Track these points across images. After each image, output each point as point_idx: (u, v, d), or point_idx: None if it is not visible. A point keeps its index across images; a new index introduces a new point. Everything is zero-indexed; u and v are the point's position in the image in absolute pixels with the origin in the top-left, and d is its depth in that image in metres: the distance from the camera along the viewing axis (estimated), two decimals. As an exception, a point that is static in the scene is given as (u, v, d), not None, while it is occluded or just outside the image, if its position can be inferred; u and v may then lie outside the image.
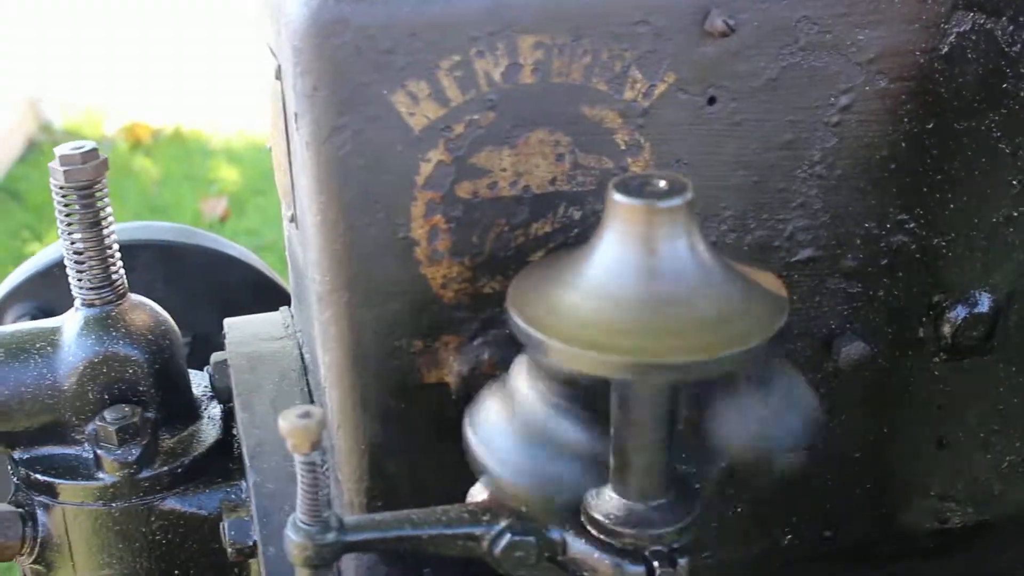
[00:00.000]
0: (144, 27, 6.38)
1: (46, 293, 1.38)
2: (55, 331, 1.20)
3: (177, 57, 6.18)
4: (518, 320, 0.91)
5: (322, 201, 1.01)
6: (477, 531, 0.99)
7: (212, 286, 1.53)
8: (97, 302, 1.19)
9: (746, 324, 0.89)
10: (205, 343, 1.37)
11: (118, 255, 1.20)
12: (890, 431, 1.22)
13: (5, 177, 5.51)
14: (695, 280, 0.89)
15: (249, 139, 5.59)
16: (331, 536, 0.97)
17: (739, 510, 1.21)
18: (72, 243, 1.18)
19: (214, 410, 1.26)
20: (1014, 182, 1.13)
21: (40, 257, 1.54)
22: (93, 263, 1.18)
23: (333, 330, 1.05)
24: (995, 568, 1.38)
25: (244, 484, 1.20)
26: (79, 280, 1.19)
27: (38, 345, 1.19)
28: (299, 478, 0.95)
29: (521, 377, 0.97)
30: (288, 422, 0.91)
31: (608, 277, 0.90)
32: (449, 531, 0.99)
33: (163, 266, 1.51)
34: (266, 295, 1.40)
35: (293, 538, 0.97)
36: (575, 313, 0.90)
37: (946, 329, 1.18)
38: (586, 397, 0.95)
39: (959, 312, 1.18)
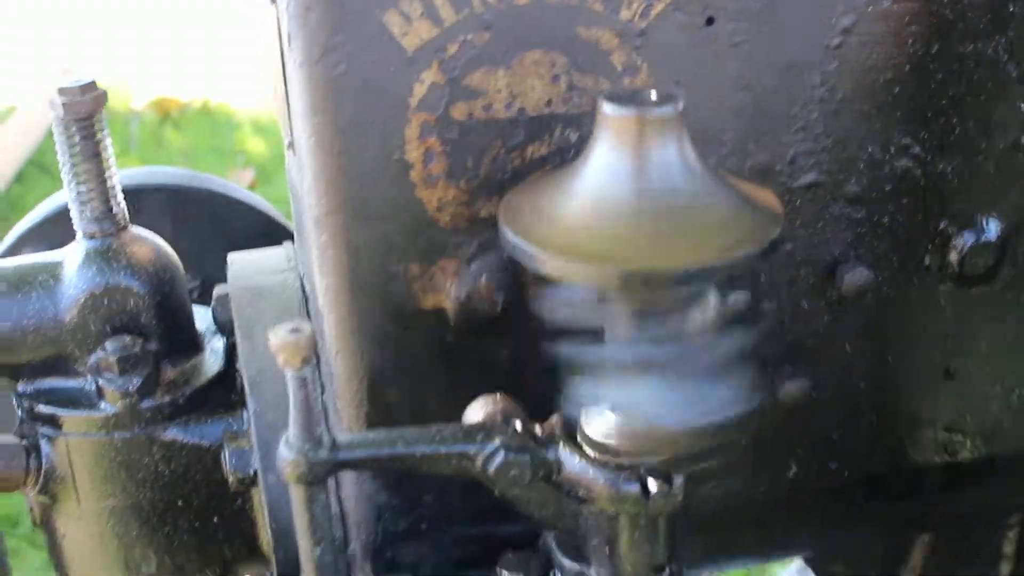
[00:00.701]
0: (173, 1, 6.40)
1: (59, 237, 1.38)
2: (57, 264, 1.20)
3: (205, 31, 6.20)
4: (510, 233, 0.91)
5: (316, 123, 1.00)
6: (471, 450, 0.99)
7: (221, 229, 1.53)
8: (98, 234, 1.19)
9: (738, 234, 0.89)
10: (214, 286, 1.37)
11: (119, 187, 1.20)
12: (896, 361, 1.21)
13: (36, 151, 5.54)
14: (687, 190, 0.88)
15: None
16: (324, 453, 0.97)
17: (744, 441, 1.20)
18: (73, 176, 1.18)
19: (217, 343, 1.26)
20: (1022, 107, 1.12)
21: (52, 201, 1.54)
22: (94, 195, 1.18)
23: (330, 254, 1.05)
24: (1005, 504, 1.36)
25: (245, 415, 1.20)
26: (81, 212, 1.19)
27: (40, 278, 1.19)
28: (291, 394, 0.94)
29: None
30: (278, 337, 0.91)
31: (599, 188, 0.89)
32: (443, 450, 0.99)
33: (171, 210, 1.51)
34: (275, 238, 1.40)
35: (286, 455, 0.96)
36: (566, 224, 0.90)
37: (953, 257, 1.17)
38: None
39: (966, 239, 1.16)
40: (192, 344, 1.24)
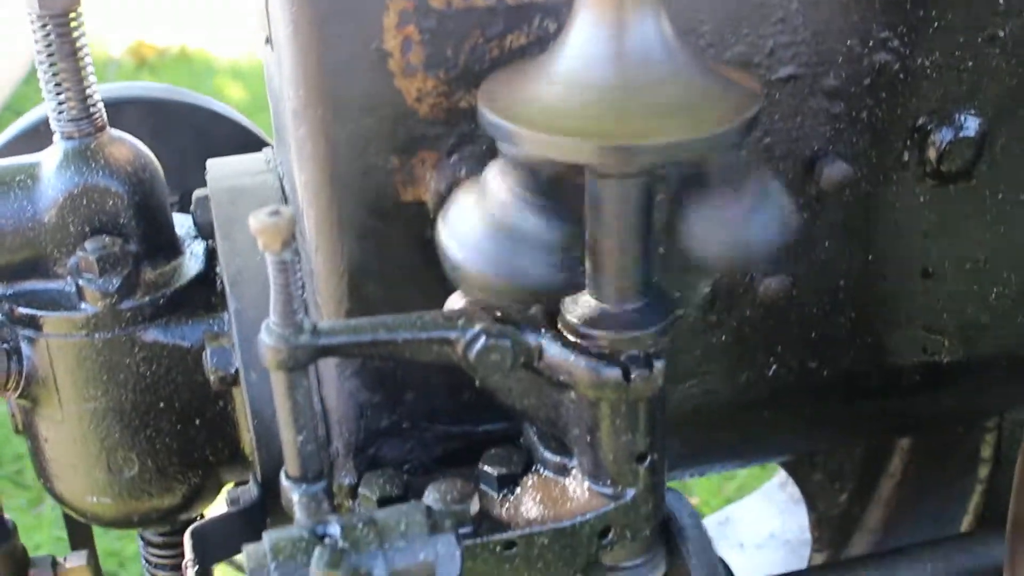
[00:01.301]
0: (149, -55, 6.34)
1: (37, 150, 1.37)
2: (35, 165, 1.20)
3: (182, -25, 6.16)
4: (487, 112, 0.90)
5: (293, 12, 1.00)
6: (452, 335, 0.99)
7: (200, 142, 1.52)
8: (76, 134, 1.18)
9: (717, 111, 0.88)
10: (194, 199, 1.36)
11: (96, 87, 1.19)
12: (875, 258, 1.21)
13: (11, 97, 5.50)
14: (665, 66, 0.88)
15: (256, 60, 5.57)
16: (305, 338, 0.97)
17: (723, 338, 1.21)
18: (50, 74, 1.17)
19: (196, 247, 1.26)
20: (1000, 0, 1.12)
21: (31, 115, 1.53)
22: (71, 94, 1.17)
23: (308, 147, 1.05)
24: (983, 406, 1.37)
25: (226, 316, 1.20)
26: (58, 113, 1.18)
27: (18, 179, 1.19)
28: (271, 278, 0.94)
29: (492, 174, 0.96)
30: (258, 220, 0.90)
31: (577, 64, 0.89)
32: (424, 335, 0.99)
33: (151, 123, 1.50)
34: (255, 151, 1.39)
35: (267, 341, 0.96)
36: (544, 101, 0.89)
37: (931, 153, 1.17)
38: (554, 191, 0.94)
39: (944, 135, 1.16)
40: (171, 247, 1.24)
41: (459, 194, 0.99)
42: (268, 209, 0.91)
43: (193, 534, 1.13)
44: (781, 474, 1.85)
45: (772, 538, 1.97)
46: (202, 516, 1.37)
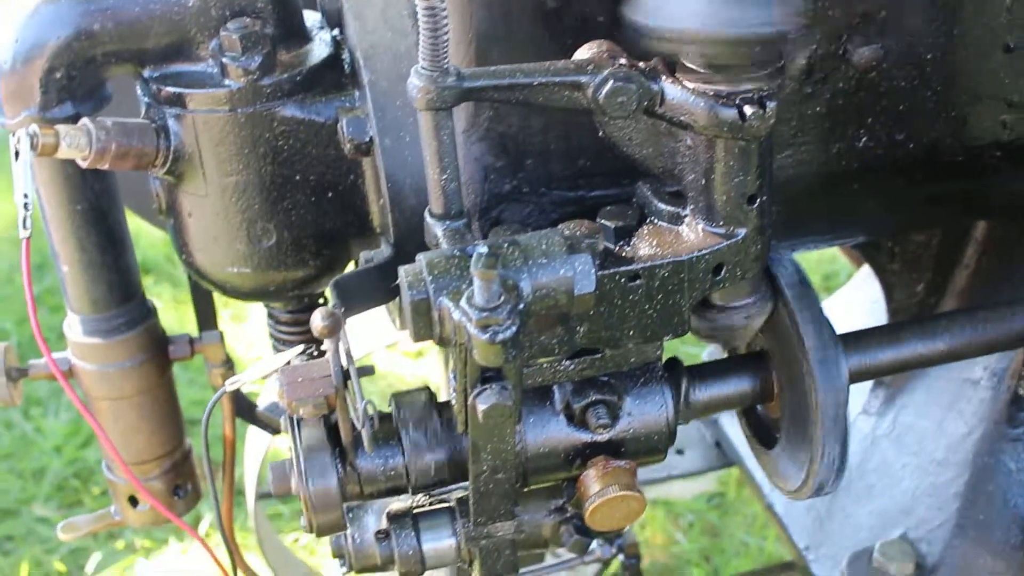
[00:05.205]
0: None
1: None
2: (180, -48, 1.29)
3: None
4: None
5: None
6: (583, 79, 1.08)
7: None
8: (216, -77, 1.27)
9: None
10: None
11: None
12: (959, 33, 1.28)
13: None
14: None
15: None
16: (451, 80, 1.06)
17: (817, 109, 1.29)
18: None
19: (324, 35, 1.34)
20: None
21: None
22: None
23: None
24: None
25: (356, 94, 1.29)
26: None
27: (162, -33, 1.28)
28: (421, 26, 1.03)
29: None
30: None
31: None
32: (557, 79, 1.08)
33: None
34: None
35: (417, 83, 1.06)
36: None
37: (1016, -75, 1.24)
38: None
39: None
40: (302, 33, 1.33)
41: None
42: (419, -42, 1.00)
43: (336, 284, 1.24)
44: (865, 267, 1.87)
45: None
46: (324, 298, 1.48)
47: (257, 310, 3.63)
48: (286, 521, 2.92)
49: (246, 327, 3.53)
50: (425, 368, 3.40)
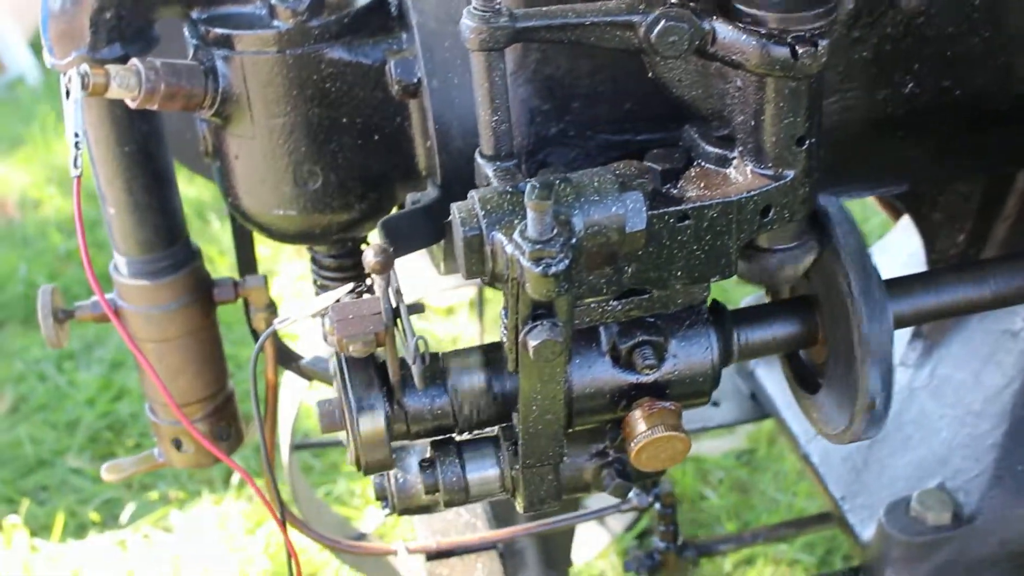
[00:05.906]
0: None
1: None
2: None
3: None
4: None
5: None
6: (635, 19, 1.09)
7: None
8: None
9: None
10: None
11: None
12: None
13: None
14: None
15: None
16: (503, 21, 1.07)
17: (864, 55, 1.29)
18: None
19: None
20: None
21: None
22: None
23: None
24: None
25: (404, 37, 1.30)
26: None
27: None
28: (476, -37, 1.04)
29: None
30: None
31: None
32: (609, 19, 1.09)
33: None
34: None
35: (470, 23, 1.06)
36: None
37: None
38: None
39: None
40: (349, -25, 1.33)
41: None
42: None
43: (384, 224, 1.25)
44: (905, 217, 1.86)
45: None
46: (367, 242, 1.48)
47: (285, 268, 3.65)
48: (318, 475, 2.94)
49: (274, 283, 3.55)
50: (456, 326, 3.41)
